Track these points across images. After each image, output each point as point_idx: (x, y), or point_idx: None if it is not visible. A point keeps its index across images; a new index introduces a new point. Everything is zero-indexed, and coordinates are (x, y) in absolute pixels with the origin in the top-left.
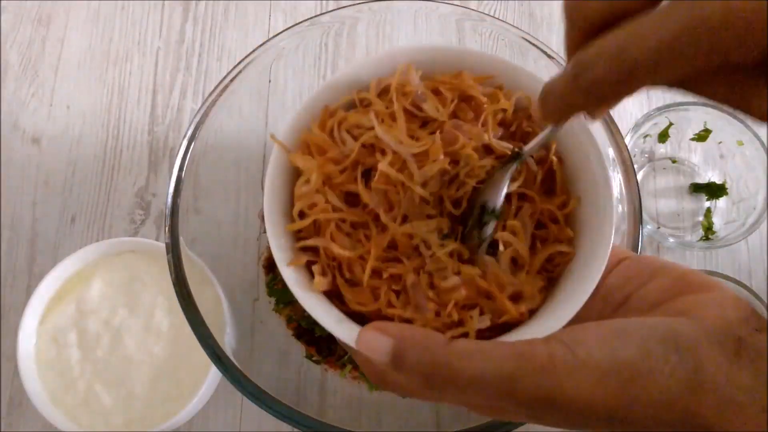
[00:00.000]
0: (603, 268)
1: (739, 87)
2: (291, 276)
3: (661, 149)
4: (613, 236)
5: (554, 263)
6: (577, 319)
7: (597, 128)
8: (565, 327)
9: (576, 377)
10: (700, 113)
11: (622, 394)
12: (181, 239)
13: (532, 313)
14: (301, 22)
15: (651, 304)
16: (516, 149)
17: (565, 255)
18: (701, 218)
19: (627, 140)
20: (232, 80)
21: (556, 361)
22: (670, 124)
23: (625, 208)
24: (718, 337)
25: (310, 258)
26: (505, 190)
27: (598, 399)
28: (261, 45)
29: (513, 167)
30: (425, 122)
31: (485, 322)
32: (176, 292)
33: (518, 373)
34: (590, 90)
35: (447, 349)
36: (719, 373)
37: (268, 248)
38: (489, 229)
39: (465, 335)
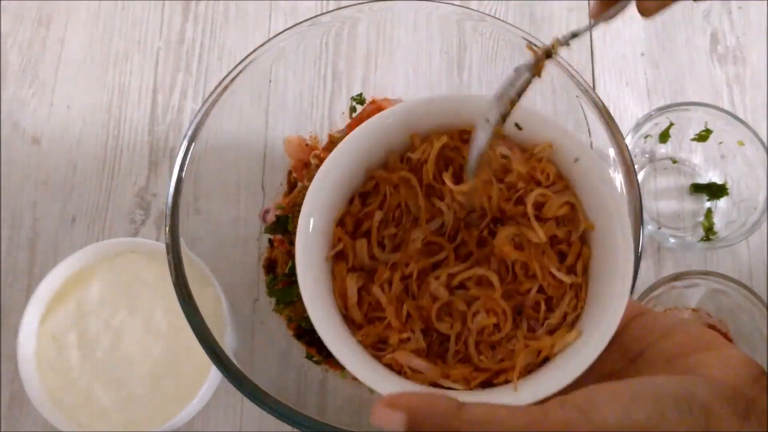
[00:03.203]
0: (613, 330)
1: None
2: (327, 334)
3: (662, 149)
4: (627, 299)
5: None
6: (591, 370)
7: (597, 128)
8: (579, 382)
9: None
10: (700, 113)
11: None
12: (181, 239)
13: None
14: (301, 22)
15: (666, 358)
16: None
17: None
18: (702, 218)
19: (628, 140)
20: (232, 80)
21: (571, 427)
22: (671, 124)
23: (626, 209)
24: (729, 396)
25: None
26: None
27: None
28: (261, 45)
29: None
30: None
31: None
32: (176, 292)
33: None
34: None
35: (459, 416)
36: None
37: (268, 248)
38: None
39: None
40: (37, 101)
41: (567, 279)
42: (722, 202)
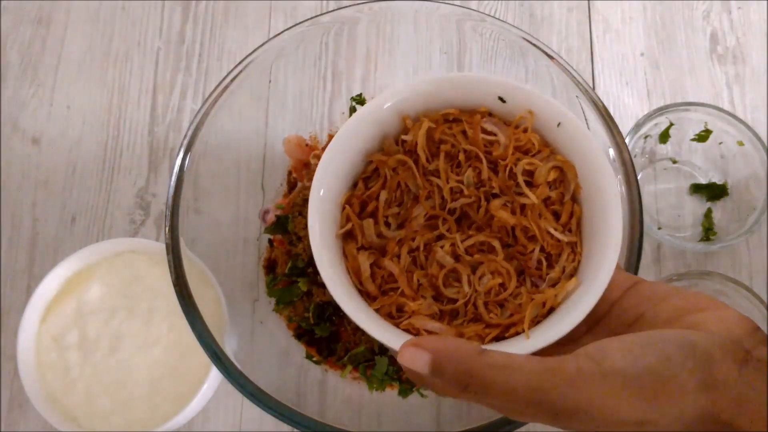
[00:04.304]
0: (609, 277)
1: None
2: (343, 300)
3: (662, 150)
4: (619, 248)
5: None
6: (593, 335)
7: (598, 129)
8: (588, 342)
9: (602, 387)
10: (700, 114)
11: (646, 397)
12: (181, 239)
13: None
14: (301, 22)
15: (663, 321)
16: None
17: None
18: (702, 219)
19: (627, 141)
20: (232, 80)
21: (584, 373)
22: (671, 124)
23: (626, 209)
24: (728, 346)
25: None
26: None
27: (623, 404)
28: (261, 45)
29: None
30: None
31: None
32: (176, 292)
33: (547, 386)
34: None
35: (479, 360)
36: (731, 376)
37: (268, 248)
38: None
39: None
40: (37, 101)
41: (564, 238)
42: (722, 203)
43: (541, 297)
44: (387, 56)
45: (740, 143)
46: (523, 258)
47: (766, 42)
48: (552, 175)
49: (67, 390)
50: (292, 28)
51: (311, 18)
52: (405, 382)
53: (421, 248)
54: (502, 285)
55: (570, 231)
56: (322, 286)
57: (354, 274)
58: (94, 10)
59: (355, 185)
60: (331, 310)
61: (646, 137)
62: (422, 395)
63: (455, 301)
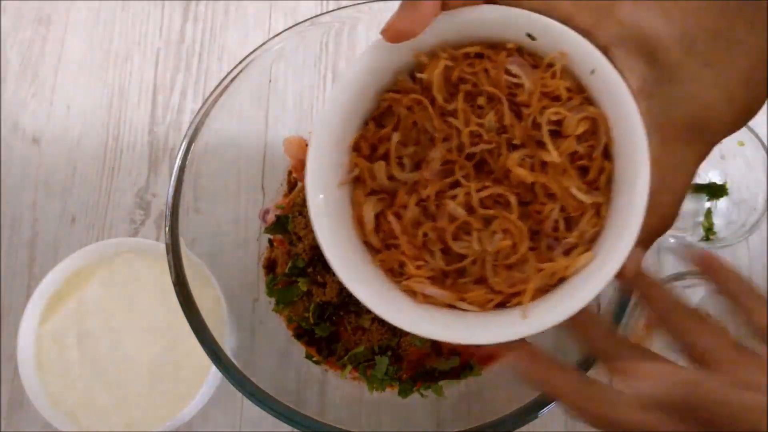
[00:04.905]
0: (629, 250)
1: None
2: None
3: None
4: (642, 217)
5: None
6: None
7: None
8: None
9: None
10: None
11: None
12: (181, 239)
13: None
14: (301, 22)
15: None
16: None
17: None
18: (702, 219)
19: None
20: (232, 80)
21: None
22: None
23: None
24: None
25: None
26: None
27: None
28: (261, 45)
29: None
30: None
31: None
32: (176, 292)
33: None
34: None
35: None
36: None
37: (268, 248)
38: None
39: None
40: (37, 101)
41: (588, 199)
42: (722, 203)
43: (550, 267)
44: None
45: (740, 143)
46: (539, 218)
47: None
48: (582, 128)
49: (67, 389)
50: (292, 28)
51: (311, 18)
52: (405, 382)
53: (432, 198)
54: (513, 247)
55: (597, 189)
56: (322, 285)
57: (359, 224)
58: (94, 10)
59: (366, 125)
60: (331, 310)
61: None
62: (422, 395)
63: (464, 257)
